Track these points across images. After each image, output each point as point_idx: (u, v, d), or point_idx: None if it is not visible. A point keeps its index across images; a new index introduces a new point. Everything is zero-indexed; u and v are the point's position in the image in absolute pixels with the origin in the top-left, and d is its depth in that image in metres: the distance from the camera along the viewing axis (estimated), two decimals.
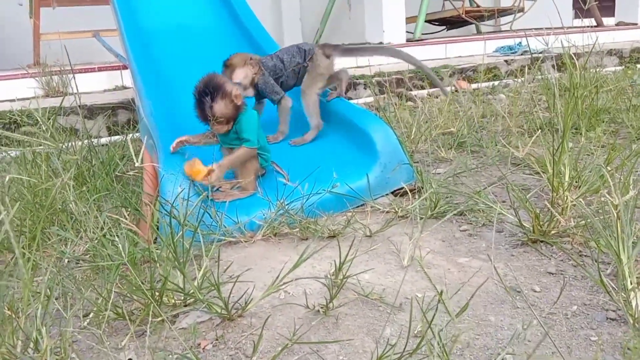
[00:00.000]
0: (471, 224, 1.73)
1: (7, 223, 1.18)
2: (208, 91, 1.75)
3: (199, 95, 1.76)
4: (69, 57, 2.49)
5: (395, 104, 3.14)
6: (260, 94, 2.25)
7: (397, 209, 1.83)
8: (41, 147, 1.85)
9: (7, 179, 1.60)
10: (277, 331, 1.19)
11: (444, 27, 6.87)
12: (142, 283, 1.28)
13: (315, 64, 2.27)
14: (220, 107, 1.77)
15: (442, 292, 0.96)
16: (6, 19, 5.69)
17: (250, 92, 2.23)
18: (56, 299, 1.25)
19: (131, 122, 3.18)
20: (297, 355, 1.10)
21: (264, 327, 1.16)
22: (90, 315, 1.27)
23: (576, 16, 8.36)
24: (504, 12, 6.54)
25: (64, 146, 1.89)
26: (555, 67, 3.12)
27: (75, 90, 3.65)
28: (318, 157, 2.09)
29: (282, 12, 6.57)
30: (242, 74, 2.17)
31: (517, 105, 3.12)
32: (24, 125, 2.98)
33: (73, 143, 1.90)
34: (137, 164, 1.28)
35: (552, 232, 1.55)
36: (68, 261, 1.56)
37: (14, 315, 1.16)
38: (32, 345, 1.11)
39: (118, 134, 3.02)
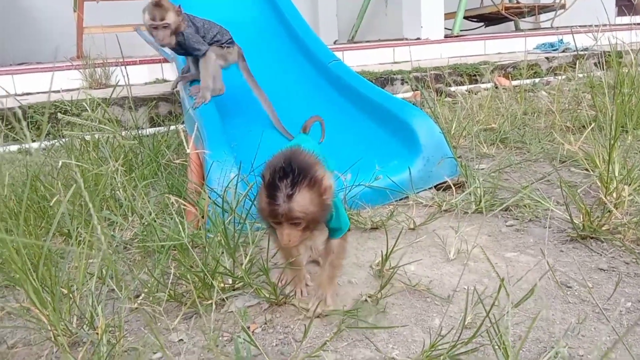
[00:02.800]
0: (517, 219, 1.70)
1: (63, 206, 1.22)
2: (287, 173, 1.05)
3: (272, 178, 1.06)
4: (116, 50, 2.55)
5: (434, 100, 3.11)
6: (183, 45, 2.22)
7: (440, 203, 1.82)
8: (89, 133, 1.89)
9: (60, 164, 1.65)
10: (325, 318, 1.20)
11: (482, 23, 6.77)
12: (192, 267, 1.31)
13: (229, 51, 2.34)
14: (303, 201, 1.06)
15: (503, 279, 0.95)
16: (51, 13, 5.86)
17: (173, 40, 2.20)
18: (111, 279, 1.28)
19: (173, 114, 3.24)
20: (346, 342, 1.10)
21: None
22: (141, 296, 1.30)
23: (619, 13, 8.13)
24: (544, 8, 6.40)
25: (114, 134, 1.93)
26: (601, 65, 3.03)
27: (118, 82, 3.74)
28: (359, 148, 2.09)
29: (318, 8, 6.58)
30: (173, 18, 2.16)
31: (560, 103, 3.06)
32: (70, 115, 3.07)
33: (120, 133, 1.95)
34: (188, 151, 1.30)
35: (603, 228, 1.51)
36: (117, 245, 1.60)
37: (70, 294, 1.20)
38: (87, 322, 1.15)
39: (160, 125, 3.07)
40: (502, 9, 5.89)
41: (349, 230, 1.25)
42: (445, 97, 3.53)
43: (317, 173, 1.07)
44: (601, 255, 1.43)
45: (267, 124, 2.33)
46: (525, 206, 1.76)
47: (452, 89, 3.81)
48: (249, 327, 1.17)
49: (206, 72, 2.20)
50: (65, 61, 4.20)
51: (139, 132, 2.18)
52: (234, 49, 2.37)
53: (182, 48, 2.23)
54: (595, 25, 2.83)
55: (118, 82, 2.20)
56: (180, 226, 1.33)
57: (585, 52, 4.50)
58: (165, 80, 4.15)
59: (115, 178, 1.72)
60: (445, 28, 5.47)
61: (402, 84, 3.96)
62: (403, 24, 5.40)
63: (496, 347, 0.90)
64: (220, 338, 1.14)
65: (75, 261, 1.30)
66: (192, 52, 2.23)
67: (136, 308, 1.27)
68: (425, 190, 1.96)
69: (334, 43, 6.49)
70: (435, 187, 1.99)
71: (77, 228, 1.55)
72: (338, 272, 1.27)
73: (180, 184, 1.82)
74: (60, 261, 1.46)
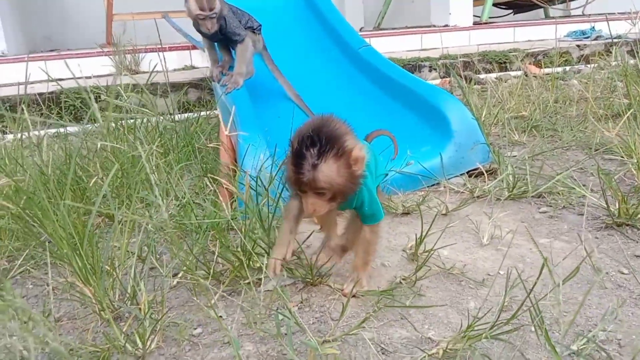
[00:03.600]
0: (551, 206, 1.69)
1: (105, 186, 1.26)
2: (315, 142, 1.04)
3: (299, 146, 1.05)
4: (144, 37, 2.58)
5: (465, 87, 3.08)
6: (224, 30, 2.20)
7: (472, 189, 1.82)
8: (128, 116, 1.93)
9: (98, 145, 1.69)
10: (360, 298, 1.22)
11: (511, 10, 6.64)
12: (229, 247, 1.33)
13: (258, 38, 2.37)
14: (329, 172, 1.05)
15: (546, 258, 0.96)
16: (81, 2, 5.94)
17: (217, 27, 2.18)
18: (152, 257, 1.32)
19: (202, 100, 3.27)
20: (382, 322, 1.12)
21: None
22: (180, 274, 1.33)
23: None
24: None
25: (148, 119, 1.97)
26: (637, 53, 2.96)
27: (155, 67, 3.78)
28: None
29: None
30: (219, 5, 2.14)
31: (592, 91, 3.01)
32: (101, 100, 3.13)
33: (155, 118, 1.98)
34: (226, 133, 1.32)
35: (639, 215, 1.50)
36: (150, 225, 1.63)
37: (112, 271, 1.24)
38: (129, 298, 1.18)
39: (190, 112, 3.11)
40: None
41: (381, 221, 1.23)
42: (475, 85, 3.49)
43: (345, 143, 1.05)
44: (637, 242, 1.42)
45: (296, 108, 2.34)
46: (558, 193, 1.75)
47: (482, 76, 3.77)
48: (284, 306, 1.19)
49: (243, 58, 2.21)
50: (96, 48, 4.27)
51: (173, 117, 2.22)
52: (261, 37, 2.38)
53: (222, 33, 2.22)
54: (634, 13, 2.77)
55: (156, 66, 2.23)
56: (221, 206, 1.36)
57: (619, 40, 4.39)
58: (193, 67, 4.19)
59: (151, 160, 1.75)
60: (474, 15, 5.39)
61: (430, 71, 3.94)
62: (431, 11, 5.33)
63: (537, 328, 0.91)
64: (258, 315, 1.16)
65: (112, 240, 1.33)
66: (231, 37, 2.20)
67: (175, 285, 1.31)
68: (457, 176, 1.96)
69: (360, 30, 6.45)
70: (467, 173, 1.98)
71: (118, 208, 1.59)
72: (372, 257, 1.26)
73: (215, 167, 1.85)
74: (101, 240, 1.50)
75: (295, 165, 1.05)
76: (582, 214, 1.62)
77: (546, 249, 1.42)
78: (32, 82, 3.53)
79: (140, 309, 1.14)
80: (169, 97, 3.24)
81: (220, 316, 1.17)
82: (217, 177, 1.63)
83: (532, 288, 0.92)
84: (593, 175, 1.94)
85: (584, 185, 1.81)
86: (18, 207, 1.34)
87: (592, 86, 3.08)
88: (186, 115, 2.43)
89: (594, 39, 4.88)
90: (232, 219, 1.34)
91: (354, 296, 1.21)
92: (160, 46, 2.36)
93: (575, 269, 0.93)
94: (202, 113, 2.69)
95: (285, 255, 1.17)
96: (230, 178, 1.70)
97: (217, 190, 1.69)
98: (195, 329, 1.15)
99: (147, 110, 1.68)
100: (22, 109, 1.44)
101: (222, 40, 2.29)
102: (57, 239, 1.20)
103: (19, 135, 1.77)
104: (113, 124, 2.01)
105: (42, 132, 2.10)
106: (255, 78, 2.34)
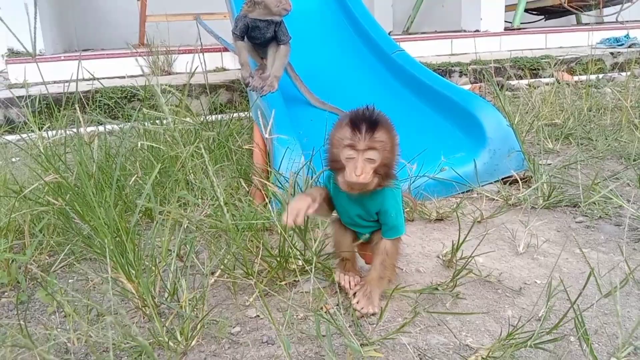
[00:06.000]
0: (587, 215, 1.68)
1: (149, 185, 1.29)
2: (372, 113, 1.10)
3: (355, 115, 1.10)
4: (176, 38, 2.63)
5: (498, 93, 3.06)
6: (277, 27, 2.20)
7: (507, 197, 1.81)
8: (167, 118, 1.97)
9: (139, 145, 1.73)
10: (395, 303, 1.22)
11: (542, 16, 6.57)
12: (265, 248, 1.35)
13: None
14: (386, 130, 1.10)
15: (593, 268, 0.95)
16: (115, 0, 6.06)
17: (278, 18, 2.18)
18: (193, 255, 1.34)
19: (233, 102, 3.31)
20: (419, 327, 1.12)
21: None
22: (217, 273, 1.35)
23: None
24: (610, 1, 6.15)
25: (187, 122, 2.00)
26: None
27: (196, 69, 3.85)
28: (424, 140, 2.09)
29: None
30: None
31: (628, 100, 2.96)
32: (134, 100, 3.19)
33: (192, 118, 2.02)
34: (266, 135, 1.35)
35: None
36: (188, 224, 1.66)
37: (154, 268, 1.27)
38: (169, 294, 1.21)
39: (221, 113, 3.15)
40: (565, 2, 5.70)
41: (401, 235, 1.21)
42: (506, 91, 3.47)
43: (393, 124, 1.13)
44: None
45: (329, 114, 2.36)
46: (594, 203, 1.73)
47: (513, 82, 3.74)
48: (322, 308, 1.21)
49: (282, 61, 2.21)
50: (129, 48, 4.35)
51: (206, 118, 2.25)
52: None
53: (274, 31, 2.20)
54: None
55: (196, 68, 2.27)
56: (257, 207, 1.38)
57: None
58: (224, 69, 4.25)
59: (188, 161, 1.79)
60: (505, 21, 5.35)
61: (460, 76, 3.92)
62: (462, 16, 5.31)
63: (581, 339, 0.91)
64: (295, 316, 1.18)
65: (153, 237, 1.36)
66: (280, 35, 2.19)
67: (212, 283, 1.33)
68: (491, 183, 1.95)
69: (389, 34, 6.44)
70: (501, 180, 1.97)
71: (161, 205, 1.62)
72: (389, 272, 1.21)
73: (248, 169, 1.87)
74: (138, 237, 1.53)
75: (353, 125, 1.07)
76: (619, 225, 1.60)
77: (583, 259, 1.40)
78: (67, 81, 3.63)
79: (181, 306, 1.16)
80: (201, 98, 3.29)
81: (257, 315, 1.19)
82: (254, 178, 1.66)
83: (577, 299, 0.92)
84: (629, 185, 1.91)
85: (620, 196, 1.79)
86: (64, 202, 1.38)
87: (626, 95, 3.03)
88: (219, 116, 2.46)
89: (629, 47, 4.80)
90: (270, 220, 1.36)
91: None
92: (200, 47, 2.40)
93: (624, 279, 0.92)
94: (235, 115, 2.72)
95: (309, 206, 1.14)
96: (264, 180, 1.72)
97: (249, 192, 1.72)
98: (233, 327, 1.17)
99: (189, 122, 1.71)
100: (73, 107, 1.48)
101: (268, 41, 2.26)
102: (102, 234, 1.23)
103: (61, 132, 1.82)
104: (151, 124, 2.05)
105: (82, 130, 2.16)
106: (286, 82, 2.36)
